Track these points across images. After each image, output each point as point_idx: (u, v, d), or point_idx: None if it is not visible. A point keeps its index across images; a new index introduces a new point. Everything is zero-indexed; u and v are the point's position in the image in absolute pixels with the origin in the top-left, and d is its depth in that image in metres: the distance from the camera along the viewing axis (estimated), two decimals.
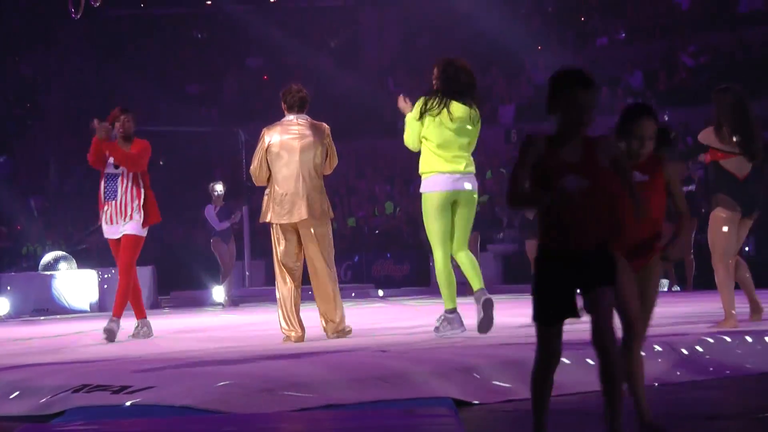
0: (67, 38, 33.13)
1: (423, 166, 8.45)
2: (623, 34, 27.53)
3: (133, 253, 9.83)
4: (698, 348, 7.28)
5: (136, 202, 9.78)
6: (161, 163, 31.06)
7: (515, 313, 10.80)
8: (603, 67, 26.19)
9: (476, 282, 8.30)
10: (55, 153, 31.58)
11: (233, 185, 22.13)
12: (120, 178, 9.80)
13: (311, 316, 9.46)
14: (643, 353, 6.96)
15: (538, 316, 4.52)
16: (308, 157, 9.04)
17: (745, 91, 8.72)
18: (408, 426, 5.09)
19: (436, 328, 8.48)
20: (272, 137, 9.10)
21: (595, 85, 4.46)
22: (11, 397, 6.20)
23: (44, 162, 31.73)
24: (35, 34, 33.35)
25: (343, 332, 9.13)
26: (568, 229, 4.32)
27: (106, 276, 18.90)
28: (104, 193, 9.84)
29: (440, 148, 8.35)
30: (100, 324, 9.89)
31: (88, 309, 17.94)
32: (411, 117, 8.55)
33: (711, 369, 6.97)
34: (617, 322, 4.69)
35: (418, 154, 8.62)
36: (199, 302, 18.60)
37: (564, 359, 6.65)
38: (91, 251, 22.95)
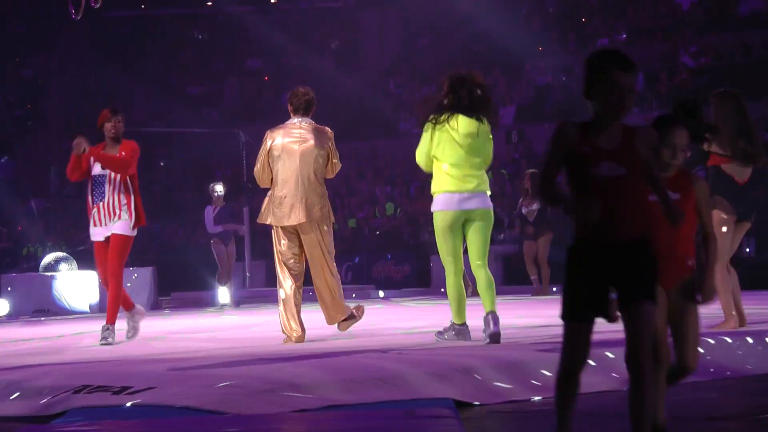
0: (68, 40, 33.16)
1: (433, 186, 8.29)
2: (624, 35, 27.52)
3: (122, 255, 9.70)
4: (699, 349, 7.27)
5: (125, 202, 9.64)
6: (162, 164, 31.11)
7: (516, 314, 10.81)
8: None
9: (488, 303, 8.11)
10: (56, 154, 31.58)
11: (234, 186, 22.13)
12: (107, 180, 9.68)
13: (311, 317, 9.47)
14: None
15: (565, 312, 4.17)
16: (308, 161, 9.06)
17: (741, 94, 8.73)
18: (409, 427, 5.09)
19: (440, 333, 8.42)
20: (274, 139, 9.14)
21: (635, 67, 4.22)
22: (12, 397, 6.20)
23: (45, 163, 31.74)
24: (36, 37, 33.39)
25: (355, 318, 9.21)
26: (601, 219, 4.04)
27: None
28: (92, 195, 9.73)
29: (451, 167, 8.16)
30: (100, 325, 9.88)
31: (89, 310, 17.93)
32: (423, 138, 8.38)
33: (712, 370, 6.97)
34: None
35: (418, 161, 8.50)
36: (200, 303, 18.58)
37: None
38: (92, 252, 22.93)
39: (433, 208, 8.26)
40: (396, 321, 11.75)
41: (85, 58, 33.52)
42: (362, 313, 9.34)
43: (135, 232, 9.81)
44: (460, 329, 8.29)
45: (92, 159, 9.78)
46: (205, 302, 18.37)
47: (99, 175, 9.72)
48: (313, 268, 9.13)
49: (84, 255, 21.85)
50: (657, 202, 4.26)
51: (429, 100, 8.53)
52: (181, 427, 5.27)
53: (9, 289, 19.03)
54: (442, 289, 17.86)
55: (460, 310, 8.27)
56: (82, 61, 33.47)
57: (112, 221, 9.66)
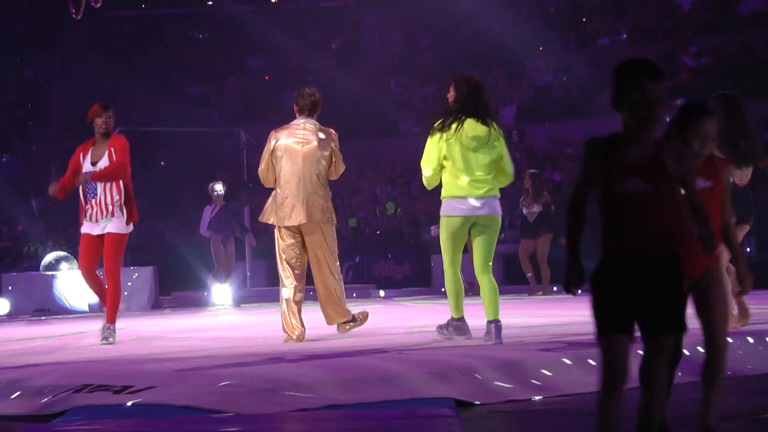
0: (68, 40, 33.16)
1: (443, 191, 8.26)
2: (625, 35, 27.52)
3: (118, 253, 9.65)
4: (699, 348, 7.27)
5: (117, 198, 9.59)
6: (162, 163, 31.11)
7: (516, 314, 10.81)
8: (604, 69, 26.20)
9: (491, 312, 8.09)
10: (56, 154, 31.58)
11: (234, 186, 22.12)
12: None
13: (312, 317, 9.47)
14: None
15: (598, 327, 3.99)
16: (311, 162, 9.07)
17: (739, 96, 8.77)
18: (409, 426, 5.09)
19: (440, 327, 8.46)
20: (278, 140, 9.16)
21: (665, 76, 4.02)
22: (12, 397, 6.21)
23: (46, 163, 31.74)
24: (37, 36, 33.39)
25: (356, 322, 9.24)
26: (626, 237, 3.95)
27: None
28: (85, 192, 9.68)
29: (461, 172, 8.12)
30: (100, 324, 9.88)
31: (89, 309, 17.93)
32: (429, 142, 8.28)
33: None
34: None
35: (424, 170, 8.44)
36: (201, 302, 18.57)
37: (564, 359, 6.69)
38: None
39: (442, 212, 8.27)
40: (396, 320, 11.76)
41: (86, 58, 33.52)
42: (365, 319, 9.35)
43: (130, 228, 9.76)
44: (458, 325, 8.32)
45: (81, 156, 9.74)
46: (206, 302, 18.36)
47: (90, 173, 9.67)
48: (314, 269, 9.15)
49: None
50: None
51: (438, 113, 8.49)
52: (182, 426, 5.27)
53: (9, 288, 19.03)
54: (443, 289, 17.91)
55: (458, 304, 8.30)
56: (82, 60, 33.46)
57: (105, 219, 9.60)
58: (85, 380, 6.14)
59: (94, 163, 9.67)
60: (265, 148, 9.22)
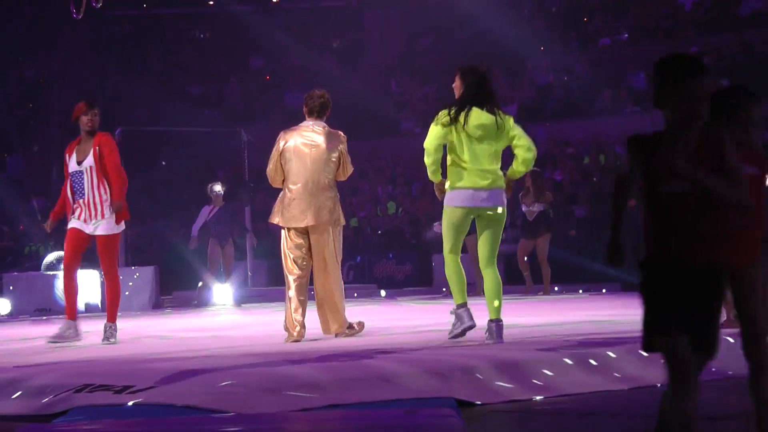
0: (69, 39, 33.16)
1: (448, 181, 8.15)
2: (626, 35, 27.52)
3: (112, 254, 9.63)
4: None
5: (105, 197, 9.53)
6: (163, 163, 31.11)
7: (517, 314, 10.81)
8: (605, 68, 26.20)
9: (492, 311, 8.06)
10: (57, 154, 31.60)
11: (236, 186, 22.12)
12: (84, 175, 9.57)
13: (313, 316, 9.47)
14: (644, 353, 6.96)
15: (653, 331, 3.81)
16: (319, 164, 9.12)
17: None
18: (410, 426, 5.09)
19: (450, 331, 8.33)
20: (287, 141, 9.22)
21: (708, 73, 3.85)
22: (13, 396, 6.21)
23: (47, 163, 31.75)
24: (38, 36, 33.40)
25: (353, 330, 9.26)
26: (670, 239, 3.79)
27: None
28: (72, 192, 9.63)
29: (467, 162, 8.03)
30: (102, 324, 9.89)
31: (90, 309, 17.93)
32: (432, 129, 8.17)
33: (714, 369, 6.96)
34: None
35: (426, 155, 8.37)
36: (202, 302, 18.56)
37: (565, 359, 6.69)
38: (94, 251, 22.93)
39: (446, 202, 8.18)
40: (398, 320, 11.76)
41: (87, 58, 33.52)
42: (362, 329, 9.36)
43: (122, 227, 9.71)
44: (461, 312, 8.12)
45: (68, 157, 9.69)
46: (207, 301, 18.36)
47: (76, 172, 9.61)
48: (317, 272, 9.17)
49: (86, 254, 21.88)
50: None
51: (445, 103, 8.41)
52: (183, 426, 5.27)
53: (11, 288, 19.05)
54: (444, 289, 17.99)
55: (461, 290, 8.14)
56: (83, 60, 33.47)
57: (95, 221, 9.54)
58: (86, 380, 6.14)
59: (79, 162, 9.60)
60: (274, 149, 9.26)
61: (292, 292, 9.11)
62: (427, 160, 8.16)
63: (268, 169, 9.32)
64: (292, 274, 9.17)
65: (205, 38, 36.62)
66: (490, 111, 8.09)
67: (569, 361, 6.65)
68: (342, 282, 9.33)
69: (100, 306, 18.25)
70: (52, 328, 9.69)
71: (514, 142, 8.17)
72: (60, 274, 18.47)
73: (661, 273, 3.82)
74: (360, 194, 27.26)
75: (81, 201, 9.60)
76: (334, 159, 9.17)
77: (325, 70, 29.95)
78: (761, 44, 24.41)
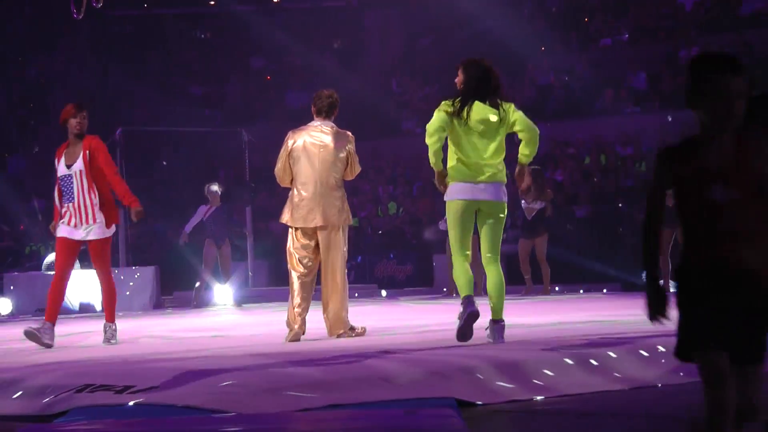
0: (70, 40, 33.16)
1: (449, 176, 8.08)
2: (626, 35, 27.52)
3: (106, 258, 9.55)
4: None
5: (96, 201, 9.45)
6: (164, 163, 31.13)
7: (517, 314, 10.81)
8: (606, 68, 26.20)
9: (494, 311, 8.01)
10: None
11: (237, 186, 22.12)
12: (74, 179, 9.50)
13: (314, 315, 9.48)
14: (646, 353, 6.96)
15: (690, 344, 3.64)
16: (327, 164, 9.19)
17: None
18: (411, 426, 5.09)
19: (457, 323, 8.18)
20: (296, 141, 9.28)
21: (744, 70, 3.63)
22: (14, 396, 6.21)
23: (48, 163, 31.76)
24: (39, 36, 33.40)
25: (354, 333, 9.30)
26: (709, 249, 3.59)
27: None
28: (61, 196, 9.54)
29: (467, 156, 7.95)
30: (101, 324, 9.90)
31: (91, 309, 17.94)
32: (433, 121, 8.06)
33: None
34: None
35: (426, 154, 8.32)
36: (203, 302, 18.57)
37: (566, 359, 6.69)
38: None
39: (446, 197, 8.13)
40: (398, 320, 11.76)
41: (88, 58, 33.54)
42: (363, 333, 9.38)
43: (113, 230, 9.63)
44: (465, 301, 7.89)
45: (57, 160, 9.61)
46: (208, 302, 18.37)
47: (66, 176, 9.55)
48: (324, 272, 9.25)
49: (86, 254, 21.90)
50: None
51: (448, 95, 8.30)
52: (184, 426, 5.28)
53: (11, 287, 19.06)
54: (445, 289, 18.01)
55: (468, 287, 7.93)
56: (84, 60, 33.48)
57: (85, 226, 9.46)
58: (87, 380, 6.14)
59: (69, 166, 9.53)
60: (283, 149, 9.32)
61: (296, 289, 9.17)
62: (428, 140, 7.99)
63: (276, 169, 9.38)
64: (296, 271, 9.24)
65: (205, 38, 36.63)
66: (493, 104, 8.00)
67: (570, 362, 6.65)
68: (347, 284, 9.38)
69: (98, 307, 18.23)
70: (54, 328, 9.68)
71: (516, 127, 8.08)
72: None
73: (699, 281, 3.63)
74: (361, 194, 27.26)
75: (70, 205, 9.51)
76: (342, 159, 9.26)
77: (325, 70, 29.95)
78: (762, 44, 24.42)
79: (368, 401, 5.78)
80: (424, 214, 23.48)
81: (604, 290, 18.56)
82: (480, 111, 7.98)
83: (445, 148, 8.14)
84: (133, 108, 30.64)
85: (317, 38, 33.87)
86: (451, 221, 8.05)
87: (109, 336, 9.66)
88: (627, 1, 28.11)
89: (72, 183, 9.52)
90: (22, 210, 28.28)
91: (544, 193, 17.12)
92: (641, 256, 3.79)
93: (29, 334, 9.38)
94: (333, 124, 9.36)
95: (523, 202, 17.21)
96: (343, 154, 9.26)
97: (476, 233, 8.26)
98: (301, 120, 9.50)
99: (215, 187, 17.93)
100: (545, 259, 17.12)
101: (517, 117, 8.08)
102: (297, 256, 9.24)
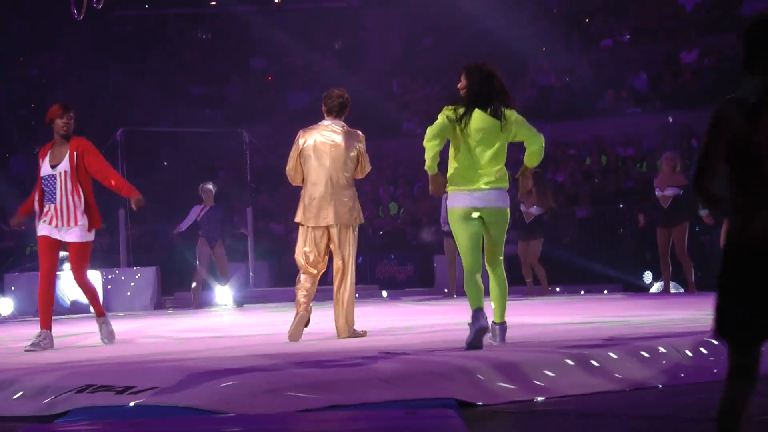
0: (71, 40, 33.17)
1: (449, 183, 8.02)
2: (627, 36, 27.52)
3: (84, 262, 9.44)
4: (702, 350, 7.29)
5: (78, 203, 9.33)
6: (165, 164, 31.12)
7: (518, 315, 10.81)
8: (607, 69, 26.20)
9: (497, 313, 7.97)
10: None
11: (237, 186, 22.13)
12: (57, 180, 9.39)
13: (317, 317, 9.48)
14: (646, 354, 6.96)
15: (723, 330, 3.59)
16: (338, 163, 9.24)
17: None
18: (411, 427, 5.09)
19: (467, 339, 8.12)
20: (306, 140, 9.34)
21: None
22: (15, 397, 6.22)
23: None
24: (40, 37, 33.41)
25: (355, 334, 9.32)
26: (762, 222, 3.44)
27: (110, 276, 18.93)
28: (43, 196, 9.43)
29: (467, 163, 7.87)
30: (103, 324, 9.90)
31: (87, 310, 17.94)
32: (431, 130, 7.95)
33: (715, 371, 6.97)
34: None
35: (425, 140, 8.23)
36: (204, 303, 18.59)
37: (566, 360, 6.69)
38: (96, 252, 22.96)
39: (449, 204, 8.07)
40: (399, 321, 11.77)
41: (89, 58, 33.55)
42: (365, 335, 9.41)
43: (93, 236, 9.51)
44: (474, 317, 7.74)
45: (41, 160, 9.51)
46: (209, 302, 18.38)
47: (49, 176, 9.43)
48: (335, 271, 9.31)
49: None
50: None
51: (450, 99, 8.24)
52: (184, 427, 5.28)
53: (12, 288, 19.08)
54: (446, 290, 17.99)
55: (478, 298, 7.80)
56: (85, 61, 33.49)
57: (65, 228, 9.37)
58: (88, 380, 6.15)
59: (53, 166, 9.41)
60: (293, 148, 9.38)
61: (302, 279, 9.26)
62: (427, 143, 7.91)
63: (287, 168, 9.44)
64: (303, 267, 9.31)
65: (206, 39, 36.65)
66: (494, 112, 7.88)
67: (570, 362, 6.65)
68: (354, 286, 9.40)
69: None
70: (54, 328, 9.69)
71: (520, 139, 7.99)
72: (61, 274, 18.49)
73: (745, 259, 3.49)
74: (361, 195, 27.11)
75: (52, 206, 9.40)
76: (353, 158, 9.35)
77: (326, 70, 29.97)
78: None
79: (369, 402, 5.79)
80: (424, 215, 23.48)
81: (605, 291, 18.55)
82: (479, 119, 7.89)
83: (445, 151, 8.12)
84: (134, 108, 30.65)
85: (318, 39, 33.89)
86: (456, 230, 7.92)
87: (106, 332, 9.63)
88: (628, 2, 28.11)
89: (55, 184, 9.40)
90: None
91: (545, 200, 17.11)
92: (701, 203, 3.67)
93: (32, 348, 9.33)
94: (344, 124, 9.44)
95: (522, 206, 17.21)
96: (353, 153, 9.33)
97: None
98: (301, 120, 9.54)
99: (209, 186, 17.89)
100: (538, 261, 17.19)
101: (520, 131, 7.96)
102: (306, 253, 9.30)
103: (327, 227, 9.29)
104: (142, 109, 30.38)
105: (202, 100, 32.89)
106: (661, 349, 7.04)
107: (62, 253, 19.56)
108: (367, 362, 6.77)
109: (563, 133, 24.92)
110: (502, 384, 6.25)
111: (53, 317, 9.73)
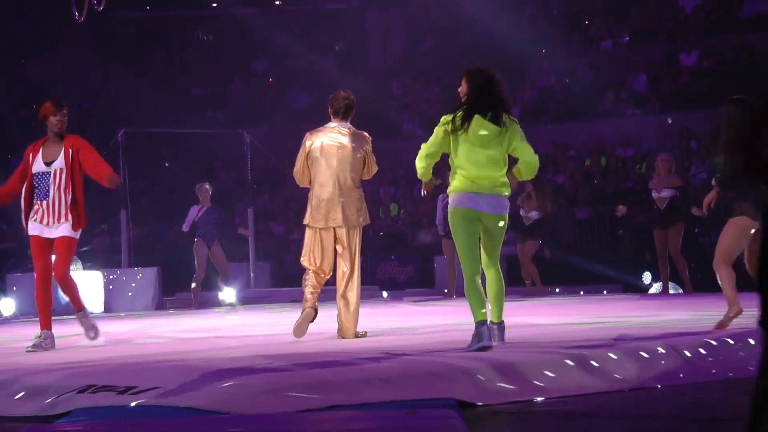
0: (72, 41, 33.19)
1: (449, 186, 8.01)
2: (627, 38, 27.54)
3: (68, 258, 9.37)
4: (701, 350, 7.31)
5: (69, 202, 9.30)
6: (166, 165, 31.14)
7: (518, 315, 10.83)
8: (607, 71, 26.21)
9: (494, 313, 7.98)
10: None
11: (239, 187, 22.14)
12: (51, 177, 9.36)
13: (320, 317, 9.50)
14: (646, 354, 6.99)
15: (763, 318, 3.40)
16: (345, 165, 9.29)
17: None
18: (411, 427, 5.12)
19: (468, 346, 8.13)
20: (313, 141, 9.39)
21: None
22: (16, 397, 6.23)
23: None
24: (41, 38, 33.43)
25: (356, 335, 9.37)
26: None
27: (111, 277, 18.95)
28: (34, 192, 9.38)
29: (468, 168, 7.82)
30: (104, 325, 9.93)
31: (94, 310, 17.97)
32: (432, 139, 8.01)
33: (714, 371, 7.00)
34: None
35: (417, 159, 8.28)
36: (205, 303, 18.60)
37: (566, 360, 6.71)
38: (97, 252, 23.01)
39: (450, 206, 8.08)
40: (399, 322, 11.78)
41: (90, 59, 33.57)
42: (365, 336, 9.46)
43: (78, 235, 9.47)
44: (481, 331, 7.70)
45: (31, 157, 9.47)
46: (210, 302, 18.39)
47: (42, 173, 9.40)
48: (340, 276, 9.31)
49: (89, 255, 21.94)
50: None
51: (451, 104, 8.24)
52: (185, 427, 5.30)
53: (14, 288, 19.09)
54: (446, 290, 18.01)
55: (480, 307, 7.80)
56: (86, 62, 33.52)
57: (55, 225, 9.34)
58: (89, 381, 6.16)
59: (48, 163, 9.38)
60: (301, 150, 9.42)
61: (308, 279, 9.33)
62: (419, 162, 8.00)
63: (294, 170, 9.50)
64: (312, 268, 9.34)
65: (208, 40, 36.66)
66: (495, 118, 7.84)
67: (570, 363, 6.67)
68: (359, 291, 9.42)
69: (94, 309, 18.27)
70: (55, 328, 9.71)
71: (515, 154, 7.99)
72: None
73: None
74: None
75: (43, 203, 9.37)
76: (359, 159, 9.39)
77: (327, 72, 29.99)
78: (763, 46, 24.43)
79: (369, 402, 5.80)
80: (425, 216, 23.50)
81: (605, 292, 18.57)
82: (479, 126, 7.85)
83: (445, 153, 8.12)
84: (135, 109, 30.66)
85: (319, 40, 33.90)
86: (455, 231, 7.90)
87: (87, 326, 9.62)
88: (628, 3, 28.12)
89: (48, 181, 9.37)
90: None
91: (545, 206, 17.21)
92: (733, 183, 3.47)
93: (34, 349, 9.34)
94: (350, 125, 9.48)
95: (521, 210, 17.27)
96: (360, 155, 9.37)
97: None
98: (302, 121, 9.56)
99: (206, 186, 17.90)
100: (530, 261, 17.35)
101: (518, 146, 7.95)
102: (313, 254, 9.34)
103: (334, 228, 9.34)
104: (144, 110, 30.39)
105: (204, 102, 32.90)
106: (661, 350, 7.06)
107: None
108: (367, 362, 6.79)
109: (563, 134, 24.94)
110: (502, 384, 6.27)
111: (53, 317, 9.72)
